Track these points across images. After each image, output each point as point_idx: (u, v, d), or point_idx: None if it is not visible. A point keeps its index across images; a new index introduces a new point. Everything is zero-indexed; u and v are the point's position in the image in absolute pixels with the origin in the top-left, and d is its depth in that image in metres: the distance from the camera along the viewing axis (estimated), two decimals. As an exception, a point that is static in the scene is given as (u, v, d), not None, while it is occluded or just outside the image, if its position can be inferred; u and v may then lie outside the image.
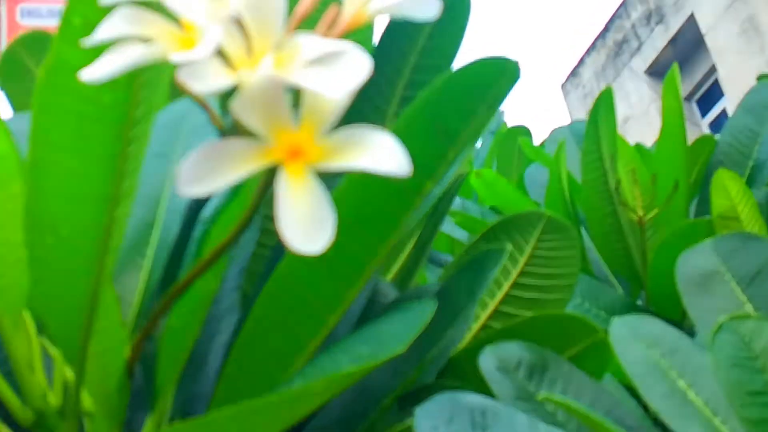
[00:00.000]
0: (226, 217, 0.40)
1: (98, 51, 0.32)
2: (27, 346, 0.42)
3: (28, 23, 2.91)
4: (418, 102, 0.38)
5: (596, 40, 6.72)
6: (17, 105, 0.66)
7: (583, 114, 6.69)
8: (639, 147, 1.06)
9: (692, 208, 0.98)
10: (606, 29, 6.62)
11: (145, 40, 0.26)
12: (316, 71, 0.26)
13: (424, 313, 0.33)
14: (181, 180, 0.25)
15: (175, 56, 0.24)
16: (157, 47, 0.26)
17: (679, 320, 0.86)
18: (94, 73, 0.25)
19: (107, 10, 0.32)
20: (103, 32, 0.27)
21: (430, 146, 0.39)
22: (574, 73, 6.98)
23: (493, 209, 1.06)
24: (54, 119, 0.35)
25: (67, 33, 0.34)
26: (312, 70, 0.26)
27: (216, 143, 0.25)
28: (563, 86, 7.09)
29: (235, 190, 0.38)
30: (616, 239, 0.93)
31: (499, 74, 0.39)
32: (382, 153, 0.26)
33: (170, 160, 0.51)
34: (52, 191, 0.37)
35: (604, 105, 0.88)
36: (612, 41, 6.58)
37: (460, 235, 1.01)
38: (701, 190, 0.97)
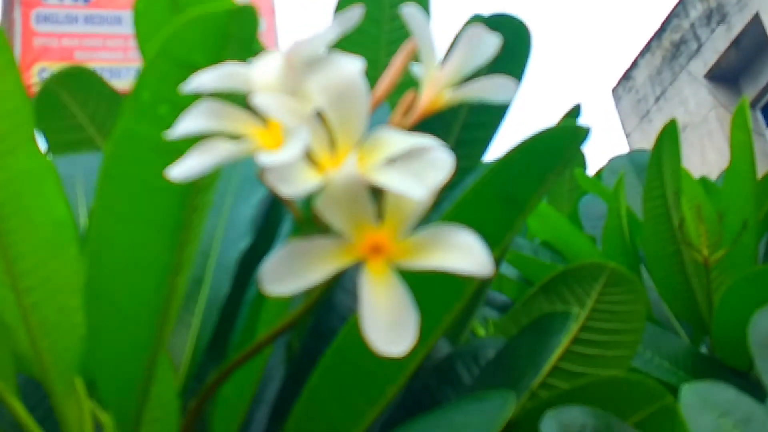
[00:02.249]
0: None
1: (166, 124, 0.35)
2: (78, 412, 0.45)
3: (44, 29, 2.96)
4: (488, 171, 0.40)
5: (651, 40, 6.70)
6: (53, 143, 0.69)
7: (635, 121, 6.68)
8: (705, 181, 1.08)
9: (761, 247, 0.99)
10: (662, 29, 6.60)
11: (229, 136, 0.29)
12: (399, 170, 0.28)
13: (504, 407, 0.35)
14: (265, 279, 0.27)
15: (264, 158, 0.27)
16: (243, 146, 0.28)
17: (746, 370, 0.88)
18: (181, 171, 0.28)
19: (176, 85, 0.35)
20: (185, 126, 0.29)
21: (497, 215, 0.42)
22: (626, 76, 6.97)
23: (545, 245, 1.08)
24: (119, 189, 0.38)
25: (136, 106, 0.36)
26: (395, 169, 0.28)
27: (299, 242, 0.28)
28: (614, 91, 7.08)
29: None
30: (679, 281, 0.94)
31: (570, 141, 0.41)
32: (464, 253, 0.28)
33: (220, 213, 0.54)
34: (114, 261, 0.39)
35: (668, 137, 0.90)
36: (668, 42, 6.55)
37: (510, 272, 1.03)
38: (771, 229, 0.99)
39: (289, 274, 0.28)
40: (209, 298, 0.51)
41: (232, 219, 0.53)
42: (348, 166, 0.28)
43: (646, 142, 5.98)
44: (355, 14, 0.31)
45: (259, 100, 0.28)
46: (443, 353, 0.60)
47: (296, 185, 0.27)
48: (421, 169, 0.28)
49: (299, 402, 0.45)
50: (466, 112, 0.60)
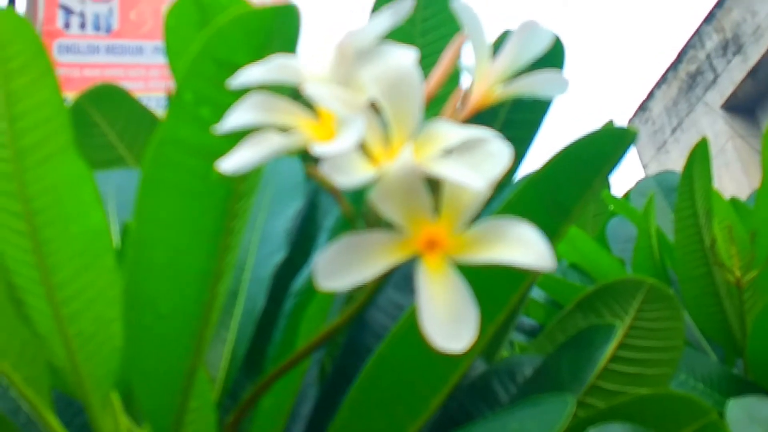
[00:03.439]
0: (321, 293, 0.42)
1: (209, 126, 0.34)
2: (114, 426, 0.44)
3: (66, 60, 2.98)
4: (533, 176, 0.40)
5: (667, 71, 6.71)
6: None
7: (652, 152, 6.66)
8: (735, 201, 1.07)
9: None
10: (678, 60, 6.60)
11: (280, 128, 0.28)
12: (457, 161, 0.27)
13: (562, 411, 0.34)
14: (319, 274, 0.26)
15: (318, 149, 0.26)
16: (295, 137, 0.28)
17: (783, 393, 0.86)
18: (232, 164, 0.27)
19: (220, 85, 0.34)
20: (235, 119, 0.28)
21: (543, 221, 0.41)
22: (642, 107, 6.96)
23: (574, 267, 1.07)
24: (161, 195, 0.37)
25: (178, 108, 0.36)
26: (452, 161, 0.27)
27: (354, 236, 0.27)
28: (631, 122, 7.07)
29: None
30: (711, 302, 0.93)
31: (617, 145, 0.40)
32: (524, 246, 0.27)
33: (254, 226, 0.53)
34: (156, 267, 0.39)
35: (699, 157, 0.89)
36: (685, 73, 6.55)
37: (538, 294, 1.02)
38: (804, 249, 0.97)
39: (344, 269, 0.27)
40: (244, 311, 0.50)
41: (267, 232, 0.53)
42: (404, 157, 0.27)
43: (664, 173, 5.96)
44: (407, 5, 0.30)
45: (312, 91, 0.28)
46: (479, 371, 0.58)
47: (352, 176, 0.26)
48: (479, 161, 0.27)
49: (339, 415, 0.44)
50: (507, 109, 0.59)
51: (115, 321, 0.41)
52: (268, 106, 0.29)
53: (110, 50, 3.02)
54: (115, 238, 0.58)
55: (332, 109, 0.27)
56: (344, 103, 0.28)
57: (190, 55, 0.35)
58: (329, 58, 0.30)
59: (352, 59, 0.29)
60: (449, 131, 0.28)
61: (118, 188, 0.60)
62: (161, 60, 2.90)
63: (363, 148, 0.28)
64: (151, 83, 2.97)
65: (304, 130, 0.28)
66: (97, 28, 3.07)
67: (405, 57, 0.29)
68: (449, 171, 0.27)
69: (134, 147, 0.67)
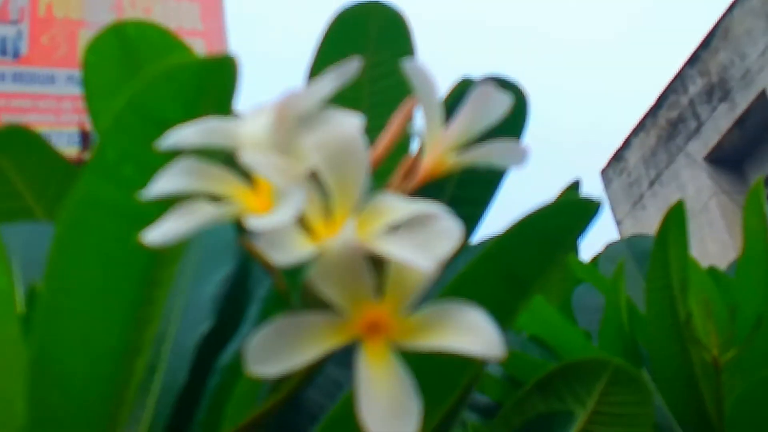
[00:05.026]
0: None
1: (132, 187, 0.35)
2: None
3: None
4: (490, 248, 0.41)
5: (645, 117, 6.80)
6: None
7: (627, 206, 6.74)
8: (714, 271, 1.09)
9: (777, 348, 1.00)
10: (658, 105, 6.69)
11: (212, 197, 0.29)
12: (403, 239, 0.29)
13: None
14: (250, 359, 0.27)
15: (253, 222, 0.27)
16: (228, 208, 0.29)
17: (763, 487, 0.88)
18: (157, 235, 0.28)
19: (146, 142, 0.35)
20: (163, 185, 0.30)
21: (499, 297, 0.42)
22: (617, 157, 7.04)
23: (534, 339, 1.08)
24: (76, 259, 0.38)
25: (100, 166, 0.37)
26: (398, 238, 0.29)
27: (288, 318, 0.28)
28: (604, 172, 7.15)
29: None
30: (685, 384, 0.95)
31: (581, 216, 0.42)
32: (472, 333, 0.28)
33: (178, 290, 0.54)
34: (66, 339, 0.39)
35: (675, 221, 0.91)
36: (665, 120, 6.64)
37: (495, 370, 1.03)
38: (789, 325, 0.99)
39: (277, 354, 0.28)
40: (163, 387, 0.51)
41: (192, 298, 0.53)
42: (346, 233, 0.28)
43: (639, 230, 6.02)
44: (353, 67, 0.31)
45: (248, 158, 0.29)
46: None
47: (289, 252, 0.27)
48: (427, 239, 0.29)
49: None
50: (455, 184, 0.60)
51: (18, 398, 0.42)
52: (199, 173, 0.30)
53: (18, 78, 3.01)
54: (20, 302, 0.58)
55: (269, 179, 0.29)
56: (283, 172, 0.29)
57: (114, 108, 0.36)
58: (267, 121, 0.31)
59: (292, 124, 0.30)
60: (396, 205, 0.29)
61: (24, 243, 0.60)
62: (75, 91, 2.89)
63: (302, 221, 0.29)
64: (62, 117, 2.96)
65: (239, 200, 0.29)
66: (3, 52, 3.06)
67: (350, 124, 0.30)
68: (395, 249, 0.28)
69: (44, 197, 0.68)
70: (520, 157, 0.34)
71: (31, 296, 0.52)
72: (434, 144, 0.34)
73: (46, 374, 0.40)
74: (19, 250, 0.60)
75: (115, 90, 0.59)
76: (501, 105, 0.34)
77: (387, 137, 0.34)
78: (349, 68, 0.31)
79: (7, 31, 3.11)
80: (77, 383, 0.40)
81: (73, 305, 0.39)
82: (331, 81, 0.31)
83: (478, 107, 0.34)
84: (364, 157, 0.30)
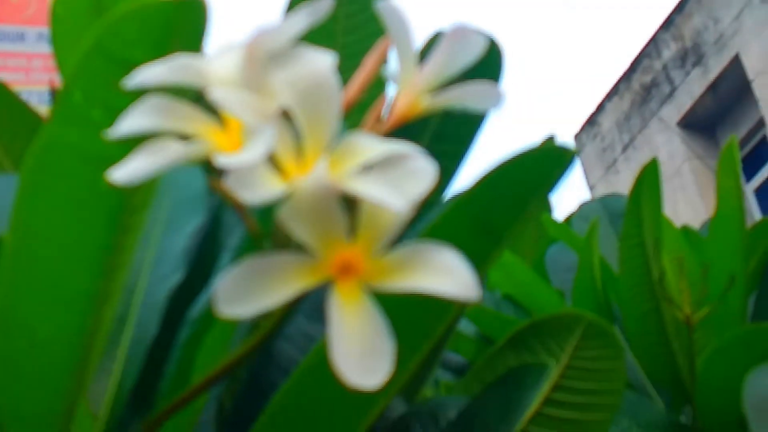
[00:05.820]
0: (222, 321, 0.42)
1: (99, 130, 0.35)
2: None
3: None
4: (462, 196, 0.41)
5: (619, 82, 6.80)
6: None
7: (600, 171, 6.76)
8: (687, 230, 1.09)
9: (750, 305, 1.00)
10: (631, 70, 6.70)
11: (180, 136, 0.29)
12: (376, 179, 0.28)
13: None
14: (220, 299, 0.27)
15: (222, 160, 0.27)
16: (196, 146, 0.28)
17: (734, 442, 0.88)
18: (124, 173, 0.28)
19: (114, 85, 0.34)
20: (130, 124, 0.29)
21: (472, 246, 0.42)
22: (591, 121, 7.05)
23: (508, 298, 1.09)
24: (42, 205, 0.37)
25: (65, 109, 0.36)
26: (371, 178, 0.28)
27: (260, 258, 0.28)
28: (577, 137, 7.16)
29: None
30: (657, 342, 0.95)
31: (555, 165, 0.42)
32: (447, 274, 0.28)
33: (148, 244, 0.53)
34: (33, 287, 0.39)
35: (648, 180, 0.91)
36: (638, 84, 6.66)
37: (468, 328, 1.03)
38: (761, 284, 1.00)
39: (247, 294, 0.27)
40: (133, 340, 0.51)
41: (162, 250, 0.53)
42: (318, 172, 0.28)
43: (613, 195, 6.02)
44: (324, 5, 0.31)
45: (217, 96, 0.28)
46: (398, 412, 0.59)
47: (259, 191, 0.27)
48: (401, 179, 0.28)
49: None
50: (437, 122, 0.60)
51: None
52: (167, 111, 0.29)
53: (-13, 36, 2.98)
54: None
55: (239, 116, 0.28)
56: (253, 110, 0.28)
57: (80, 51, 0.36)
58: (238, 58, 0.30)
59: (263, 61, 0.30)
60: (369, 145, 0.29)
61: (-8, 195, 0.59)
62: (45, 49, 2.86)
63: (272, 160, 0.28)
64: (33, 75, 2.93)
65: (207, 139, 0.29)
66: (-30, 11, 3.03)
67: (322, 61, 0.30)
68: (367, 189, 0.28)
69: (12, 149, 0.67)
70: (496, 99, 0.33)
71: (-1, 247, 0.51)
72: (408, 85, 0.33)
73: (13, 323, 0.39)
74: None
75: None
76: (475, 45, 0.33)
77: (361, 77, 0.34)
78: (321, 5, 0.30)
79: (-26, -11, 3.08)
80: (44, 331, 0.39)
81: (39, 252, 0.38)
82: (303, 18, 0.30)
83: (451, 47, 0.33)
84: (336, 95, 0.29)
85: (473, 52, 0.33)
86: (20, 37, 3.03)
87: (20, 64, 2.98)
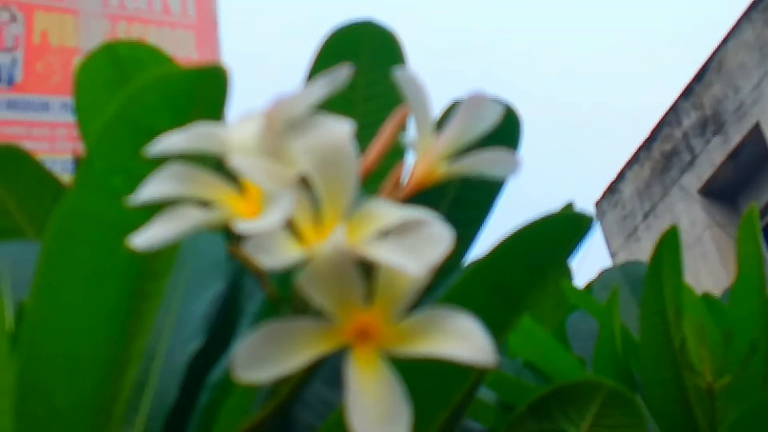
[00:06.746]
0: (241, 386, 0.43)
1: (120, 197, 0.35)
2: None
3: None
4: (481, 262, 0.41)
5: (639, 150, 6.81)
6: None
7: (621, 239, 6.74)
8: (708, 298, 1.09)
9: (772, 374, 1.00)
10: (652, 138, 6.71)
11: (200, 202, 0.29)
12: (393, 244, 0.28)
13: None
14: (238, 364, 0.27)
15: (241, 226, 0.27)
16: (216, 212, 0.28)
17: None
18: (145, 239, 0.28)
19: (135, 152, 0.35)
20: (150, 190, 0.29)
21: (491, 312, 0.42)
22: (611, 189, 7.05)
23: (529, 365, 1.08)
24: (63, 272, 0.38)
25: (88, 176, 0.37)
26: (388, 243, 0.28)
27: (278, 323, 0.28)
28: (598, 204, 7.16)
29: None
30: (679, 410, 0.94)
31: (573, 231, 0.42)
32: (464, 339, 0.28)
33: (168, 309, 0.54)
34: (53, 354, 0.39)
35: (668, 246, 0.91)
36: (659, 153, 6.66)
37: (487, 395, 1.03)
38: (783, 352, 0.99)
39: (266, 359, 0.28)
40: (153, 405, 0.51)
41: (182, 316, 0.53)
42: (336, 238, 0.28)
43: (634, 263, 5.99)
44: (343, 73, 0.31)
45: (237, 162, 0.29)
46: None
47: (278, 257, 0.27)
48: (418, 244, 0.28)
49: None
50: (456, 188, 0.60)
51: (6, 414, 0.41)
52: (188, 178, 0.30)
53: (12, 105, 3.01)
54: (9, 320, 0.58)
55: (258, 182, 0.28)
56: (272, 176, 0.29)
57: (103, 119, 0.36)
58: (257, 126, 0.31)
59: (282, 129, 0.30)
60: (386, 211, 0.29)
61: (14, 262, 0.60)
62: (69, 118, 2.89)
63: (291, 226, 0.29)
64: (57, 144, 2.96)
65: (227, 205, 0.29)
66: (-3, 80, 3.07)
67: (340, 129, 0.30)
68: (384, 254, 0.28)
69: (35, 217, 0.68)
70: (513, 166, 0.34)
71: (20, 314, 0.51)
72: (426, 152, 0.33)
73: (33, 389, 0.39)
74: (8, 268, 0.59)
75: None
76: (492, 113, 0.34)
77: (379, 144, 0.34)
78: (339, 74, 0.31)
79: (1, 58, 3.11)
80: (64, 398, 0.40)
81: (59, 318, 0.38)
82: (321, 87, 0.31)
83: (468, 115, 0.34)
84: (354, 162, 0.30)
85: (490, 120, 0.34)
86: (44, 107, 3.06)
87: (44, 133, 3.00)
